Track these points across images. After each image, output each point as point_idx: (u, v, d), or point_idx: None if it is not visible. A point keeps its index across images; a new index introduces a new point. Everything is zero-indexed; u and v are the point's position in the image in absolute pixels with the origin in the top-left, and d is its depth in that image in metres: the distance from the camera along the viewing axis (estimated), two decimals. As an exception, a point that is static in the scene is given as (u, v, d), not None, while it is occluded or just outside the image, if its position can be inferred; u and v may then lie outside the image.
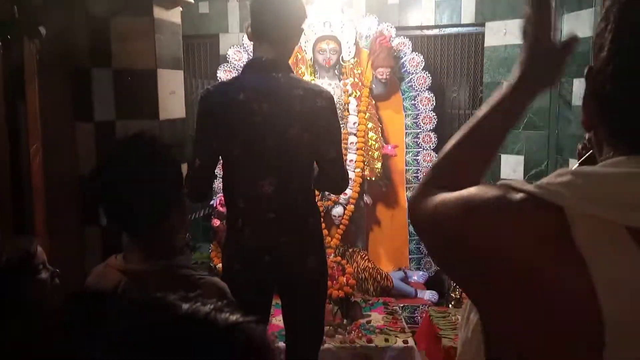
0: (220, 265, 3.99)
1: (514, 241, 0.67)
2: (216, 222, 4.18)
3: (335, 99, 3.96)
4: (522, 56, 0.85)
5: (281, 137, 1.84)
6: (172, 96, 2.38)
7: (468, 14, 4.50)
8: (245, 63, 1.99)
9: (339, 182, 2.05)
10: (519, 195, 0.69)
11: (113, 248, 1.42)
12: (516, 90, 0.85)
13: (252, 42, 1.94)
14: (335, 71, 4.17)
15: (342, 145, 4.00)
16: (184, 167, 1.71)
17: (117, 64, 2.22)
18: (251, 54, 4.21)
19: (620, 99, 0.67)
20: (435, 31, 4.72)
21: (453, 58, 4.74)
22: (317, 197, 3.93)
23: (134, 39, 2.21)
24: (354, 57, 4.11)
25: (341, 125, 4.03)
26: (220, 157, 1.96)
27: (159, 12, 2.26)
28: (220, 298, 1.34)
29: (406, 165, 4.37)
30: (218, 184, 4.30)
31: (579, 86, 3.83)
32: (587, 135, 1.33)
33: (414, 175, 4.39)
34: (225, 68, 4.29)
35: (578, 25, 4.00)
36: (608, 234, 0.62)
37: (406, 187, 4.38)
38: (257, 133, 1.85)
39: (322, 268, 2.09)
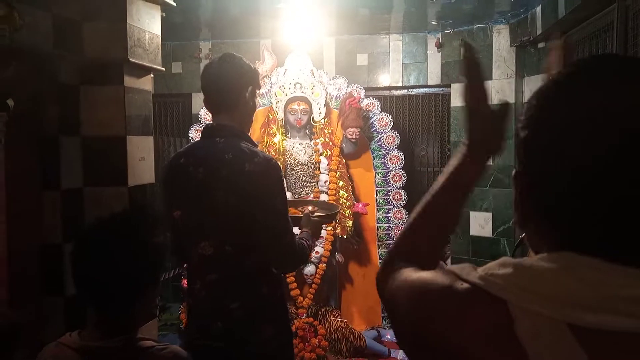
0: (189, 327, 3.91)
1: (458, 333, 0.68)
2: (186, 283, 4.10)
3: (306, 158, 4.11)
4: (465, 125, 0.89)
5: (212, 201, 1.85)
6: (142, 162, 2.38)
7: (434, 76, 4.67)
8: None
9: (282, 257, 1.92)
10: (464, 286, 0.70)
11: (76, 318, 1.37)
12: (465, 159, 0.88)
13: None
14: (307, 131, 4.24)
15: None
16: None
17: (86, 131, 2.22)
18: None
19: (543, 203, 0.69)
20: (403, 91, 4.87)
21: (421, 117, 4.88)
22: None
23: (104, 106, 2.23)
24: (324, 117, 4.20)
25: (311, 186, 4.08)
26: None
27: (129, 81, 2.29)
28: None
29: (377, 223, 4.41)
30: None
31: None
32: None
33: (385, 232, 4.42)
34: (197, 128, 4.33)
35: (537, 87, 4.18)
36: (550, 331, 0.63)
37: (378, 245, 4.40)
38: (192, 195, 1.88)
39: (280, 339, 2.00)
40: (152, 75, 2.50)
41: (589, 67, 0.69)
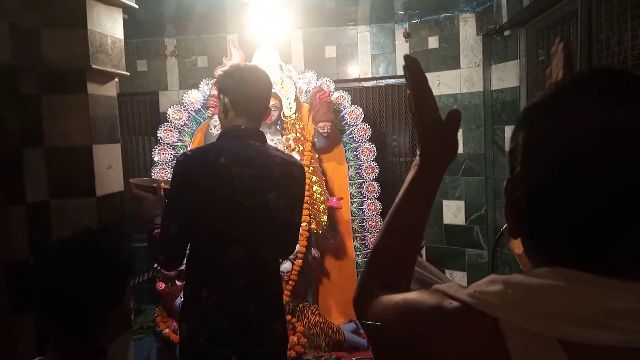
0: (167, 330, 3.88)
1: (450, 352, 0.68)
2: (161, 285, 4.06)
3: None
4: (418, 138, 0.89)
5: (259, 203, 1.88)
6: (110, 170, 2.32)
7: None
8: (221, 131, 2.00)
9: (288, 247, 2.13)
10: (454, 305, 0.70)
11: (47, 337, 1.34)
12: (421, 169, 0.89)
13: (225, 111, 1.95)
14: (277, 127, 4.20)
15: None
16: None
17: (50, 142, 2.14)
18: (192, 113, 4.21)
19: (533, 217, 0.69)
20: (373, 83, 4.87)
21: (391, 108, 4.89)
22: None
23: (67, 116, 2.15)
24: (295, 113, 4.17)
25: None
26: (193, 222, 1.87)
27: (93, 88, 2.21)
28: None
29: (352, 216, 4.42)
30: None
31: (510, 133, 4.02)
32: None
33: (360, 224, 4.43)
34: (166, 127, 4.24)
35: (505, 74, 4.23)
36: (541, 347, 0.63)
37: (353, 237, 4.42)
38: (234, 197, 1.85)
39: (285, 336, 2.09)
40: (116, 80, 2.43)
41: (584, 82, 0.69)
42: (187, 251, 1.94)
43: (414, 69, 0.85)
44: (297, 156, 4.12)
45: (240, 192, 1.85)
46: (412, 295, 0.78)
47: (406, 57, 0.86)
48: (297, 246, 3.97)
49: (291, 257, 3.98)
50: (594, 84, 0.67)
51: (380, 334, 0.84)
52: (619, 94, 0.65)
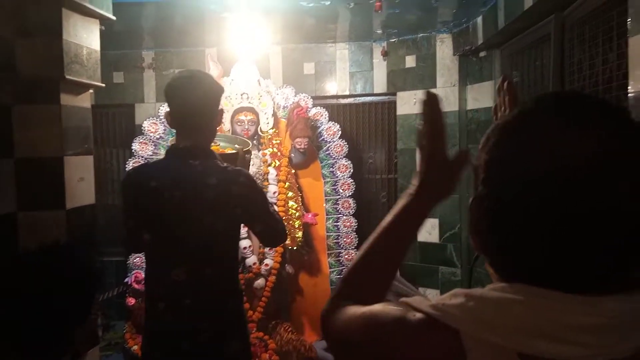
0: (136, 347, 3.79)
1: None
2: (131, 301, 3.98)
3: (254, 170, 4.06)
4: (419, 168, 0.89)
5: (194, 226, 1.81)
6: (81, 183, 2.28)
7: (380, 84, 4.72)
8: (167, 148, 1.97)
9: (276, 238, 2.06)
10: (417, 316, 0.71)
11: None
12: (414, 201, 0.89)
13: (169, 124, 1.92)
14: (254, 141, 4.19)
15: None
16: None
17: (20, 152, 2.10)
18: (167, 126, 4.18)
19: (495, 235, 0.71)
20: (350, 100, 4.90)
21: (368, 125, 4.93)
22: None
23: (39, 126, 2.12)
24: (272, 128, 4.16)
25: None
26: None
27: (66, 99, 2.18)
28: None
29: (327, 232, 4.41)
30: (133, 259, 4.14)
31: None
32: None
33: (335, 241, 4.43)
34: (141, 140, 4.20)
35: (480, 95, 4.30)
36: None
37: (328, 254, 4.41)
38: (168, 221, 1.82)
39: (245, 352, 2.04)
40: (91, 91, 2.40)
41: (546, 106, 0.70)
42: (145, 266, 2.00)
43: (434, 105, 0.85)
44: (273, 171, 4.11)
45: (173, 216, 1.82)
46: (378, 307, 0.79)
47: (428, 93, 0.86)
48: (271, 262, 3.96)
49: (265, 273, 3.95)
50: (556, 108, 0.69)
51: (345, 346, 0.83)
52: (580, 118, 0.66)
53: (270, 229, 1.98)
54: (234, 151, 2.15)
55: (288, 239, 4.03)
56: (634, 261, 0.67)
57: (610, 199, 0.63)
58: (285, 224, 3.98)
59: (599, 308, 0.64)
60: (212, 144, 2.12)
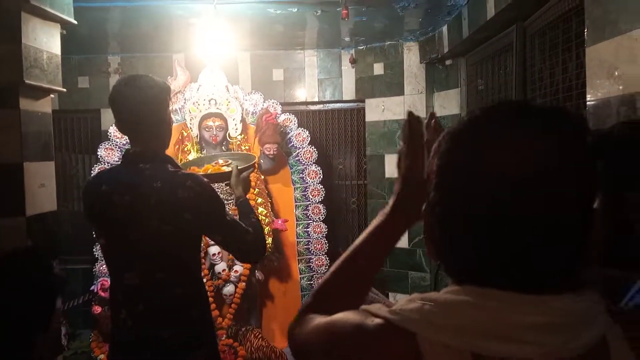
0: (102, 356, 3.72)
1: None
2: (97, 309, 3.90)
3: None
4: (396, 188, 0.90)
5: (141, 231, 1.80)
6: (42, 189, 2.23)
7: (349, 91, 4.75)
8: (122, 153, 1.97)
9: (245, 251, 1.95)
10: (376, 321, 0.72)
11: None
12: (389, 220, 0.90)
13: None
14: (223, 147, 4.16)
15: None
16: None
17: (-23, 158, 2.05)
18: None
19: (447, 240, 0.72)
20: (319, 106, 4.92)
21: (337, 131, 4.95)
22: (206, 277, 3.85)
23: (-3, 131, 2.07)
24: (241, 134, 4.15)
25: (228, 203, 4.01)
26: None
27: (26, 104, 2.13)
28: None
29: (297, 238, 4.41)
30: (99, 266, 4.06)
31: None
32: None
33: (305, 247, 4.42)
34: (106, 146, 4.13)
35: (446, 102, 4.37)
36: None
37: (298, 260, 4.40)
38: (118, 225, 1.82)
39: None
40: (52, 96, 2.35)
41: (494, 113, 0.72)
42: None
43: (416, 128, 0.87)
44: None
45: (123, 220, 1.81)
46: (337, 316, 0.79)
47: (410, 114, 0.87)
48: (241, 268, 3.93)
49: (234, 279, 3.92)
50: (504, 115, 0.71)
51: (308, 356, 0.84)
52: (525, 125, 0.68)
53: (235, 241, 1.91)
54: (228, 169, 2.12)
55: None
56: (581, 262, 0.69)
57: (555, 203, 0.65)
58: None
59: (548, 307, 0.65)
60: (212, 163, 2.11)
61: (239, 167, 2.14)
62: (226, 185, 2.08)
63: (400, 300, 0.73)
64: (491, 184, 0.66)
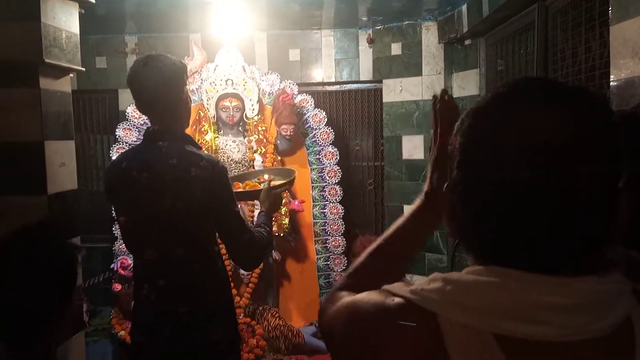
0: (122, 332, 3.80)
1: (390, 348, 0.70)
2: (117, 287, 3.97)
3: (240, 156, 4.05)
4: (428, 172, 0.90)
5: (157, 206, 1.84)
6: (63, 168, 2.26)
7: (366, 71, 4.71)
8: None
9: (243, 255, 1.95)
10: (396, 301, 0.72)
11: None
12: (424, 205, 0.91)
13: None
14: (240, 128, 4.17)
15: (249, 202, 4.02)
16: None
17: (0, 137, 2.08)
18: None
19: (469, 219, 0.72)
20: (336, 87, 4.89)
21: (354, 112, 4.92)
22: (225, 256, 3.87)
23: (18, 110, 2.09)
24: (257, 114, 4.15)
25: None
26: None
27: (46, 83, 2.15)
28: None
29: (314, 219, 4.42)
30: (119, 245, 4.12)
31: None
32: None
33: (322, 228, 4.44)
34: (124, 126, 4.16)
35: (465, 83, 4.31)
36: (477, 342, 0.65)
37: (315, 241, 4.42)
38: (136, 201, 1.87)
39: (229, 341, 2.03)
40: (71, 75, 2.37)
41: (519, 89, 0.71)
42: None
43: (449, 105, 0.86)
44: (259, 158, 4.10)
45: (140, 196, 1.86)
46: (360, 295, 0.80)
47: (443, 91, 0.86)
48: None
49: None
50: (529, 91, 0.70)
51: (333, 335, 0.85)
52: (551, 101, 0.67)
53: (231, 234, 1.90)
54: (259, 188, 2.15)
55: (275, 226, 4.04)
56: (605, 243, 0.68)
57: (579, 182, 0.64)
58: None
59: (572, 289, 0.65)
60: (256, 178, 2.15)
61: (269, 182, 2.22)
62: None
63: (422, 280, 0.73)
64: (515, 161, 0.65)
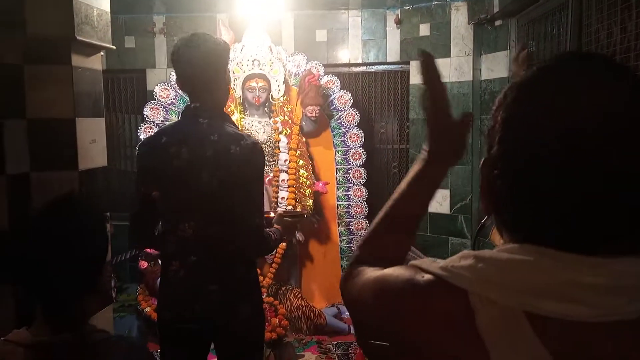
0: (148, 309, 3.87)
1: (419, 324, 0.70)
2: (144, 264, 4.04)
3: (265, 137, 4.06)
4: (427, 134, 0.88)
5: (196, 182, 1.86)
6: (93, 145, 2.29)
7: (393, 53, 4.65)
8: (182, 109, 2.04)
9: (249, 239, 1.93)
10: (426, 277, 0.72)
11: (26, 308, 1.32)
12: (426, 165, 0.89)
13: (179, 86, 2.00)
14: (265, 109, 4.18)
15: (274, 182, 4.04)
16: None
17: (32, 113, 2.11)
18: (179, 92, 4.18)
19: (508, 195, 0.70)
20: (363, 68, 4.85)
21: (380, 94, 4.88)
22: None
23: (51, 87, 2.12)
24: (283, 95, 4.14)
25: (271, 165, 4.04)
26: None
27: (77, 60, 2.18)
28: None
29: (337, 201, 4.42)
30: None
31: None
32: None
33: (345, 210, 4.44)
34: (152, 105, 4.20)
35: (494, 65, 4.23)
36: (508, 319, 0.64)
37: (338, 222, 4.43)
38: (175, 177, 1.88)
39: (257, 317, 2.07)
40: (102, 53, 2.40)
41: (566, 64, 0.69)
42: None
43: (428, 65, 0.84)
44: (284, 139, 4.11)
45: (179, 171, 1.87)
46: (388, 271, 0.79)
47: (421, 51, 0.85)
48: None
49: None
50: (577, 66, 0.68)
51: (359, 309, 0.85)
52: (601, 77, 0.66)
53: (247, 215, 1.89)
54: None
55: (299, 207, 4.05)
56: None
57: (625, 161, 0.62)
58: (296, 191, 4.04)
59: (608, 269, 0.63)
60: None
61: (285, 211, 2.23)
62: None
63: (452, 257, 0.72)
64: (560, 137, 0.63)
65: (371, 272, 0.83)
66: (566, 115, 0.64)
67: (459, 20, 4.40)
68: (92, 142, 2.28)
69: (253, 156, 1.89)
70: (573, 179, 0.63)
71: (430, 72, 0.84)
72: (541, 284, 0.64)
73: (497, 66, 4.19)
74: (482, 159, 0.75)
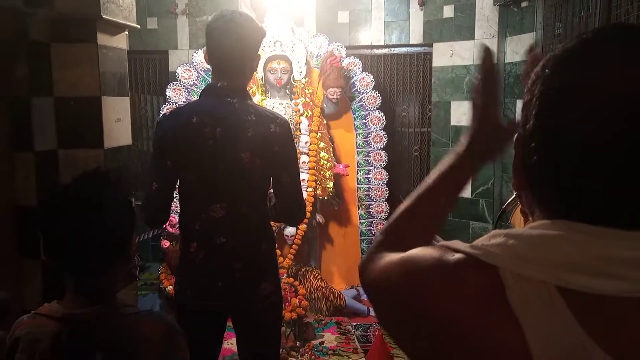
0: (170, 287, 3.93)
1: (450, 301, 0.69)
2: (166, 244, 4.09)
3: (287, 118, 4.05)
4: (470, 128, 0.87)
5: (232, 162, 1.84)
6: (118, 123, 2.32)
7: (416, 35, 4.60)
8: (203, 88, 2.00)
9: (295, 211, 2.02)
10: (456, 256, 0.71)
11: (54, 282, 1.35)
12: (461, 159, 0.89)
13: (208, 64, 1.97)
14: (287, 91, 4.17)
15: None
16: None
17: (59, 91, 2.14)
18: (201, 73, 4.19)
19: (544, 170, 0.69)
20: (385, 50, 4.80)
21: (402, 77, 4.84)
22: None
23: (77, 65, 2.15)
24: (305, 77, 4.12)
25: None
26: (177, 180, 1.96)
27: (103, 39, 2.19)
28: (166, 335, 1.32)
29: (358, 184, 4.42)
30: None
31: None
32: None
33: (366, 193, 4.43)
34: (174, 86, 4.22)
35: (519, 47, 4.16)
36: (540, 295, 0.63)
37: (358, 205, 4.42)
38: (208, 156, 1.85)
39: (277, 295, 2.08)
40: (126, 33, 2.41)
41: (607, 36, 0.68)
42: (179, 207, 2.01)
43: (487, 62, 0.83)
44: (305, 121, 4.10)
45: (213, 152, 1.85)
46: (415, 250, 0.78)
47: (486, 49, 0.84)
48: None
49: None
50: (620, 37, 0.66)
51: (382, 290, 0.84)
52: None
53: (294, 189, 1.97)
54: None
55: (319, 189, 4.06)
56: None
57: None
58: (317, 173, 4.04)
59: None
60: None
61: None
62: None
63: (481, 238, 0.72)
64: (600, 111, 0.62)
65: (393, 255, 0.82)
66: (607, 89, 0.62)
67: (484, 1, 4.32)
68: (117, 120, 2.31)
69: (289, 133, 1.94)
70: (612, 154, 0.62)
71: (487, 71, 0.83)
72: (574, 258, 0.63)
73: (523, 49, 4.12)
74: (516, 135, 0.74)
